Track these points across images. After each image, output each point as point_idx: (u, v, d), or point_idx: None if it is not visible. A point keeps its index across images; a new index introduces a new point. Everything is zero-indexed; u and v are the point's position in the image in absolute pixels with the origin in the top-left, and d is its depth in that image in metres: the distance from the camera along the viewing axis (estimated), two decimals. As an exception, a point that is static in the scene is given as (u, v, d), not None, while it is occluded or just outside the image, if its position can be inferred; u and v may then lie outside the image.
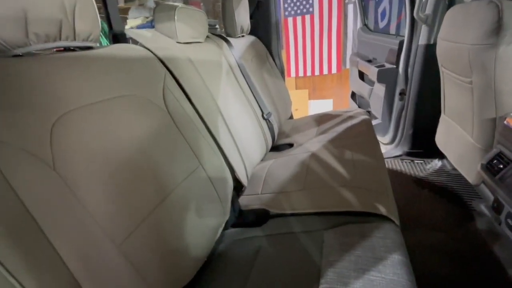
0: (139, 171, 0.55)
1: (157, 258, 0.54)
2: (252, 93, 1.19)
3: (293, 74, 3.43)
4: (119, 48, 0.66)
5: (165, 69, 0.74)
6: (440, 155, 1.52)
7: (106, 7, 0.76)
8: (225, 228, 0.84)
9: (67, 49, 0.56)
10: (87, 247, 0.42)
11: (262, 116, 1.21)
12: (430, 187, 1.42)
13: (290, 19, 3.18)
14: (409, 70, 1.59)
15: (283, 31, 3.23)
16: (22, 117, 0.41)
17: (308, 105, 3.49)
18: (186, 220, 0.63)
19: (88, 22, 0.54)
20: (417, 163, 1.63)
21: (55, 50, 0.54)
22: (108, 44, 0.77)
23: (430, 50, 1.42)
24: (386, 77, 1.69)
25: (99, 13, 0.57)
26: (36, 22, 0.45)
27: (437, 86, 1.30)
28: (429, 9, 1.39)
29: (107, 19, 0.77)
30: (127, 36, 0.81)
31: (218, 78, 0.98)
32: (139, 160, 0.56)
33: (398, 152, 1.73)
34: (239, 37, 1.35)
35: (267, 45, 1.61)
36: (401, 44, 1.61)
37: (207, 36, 1.10)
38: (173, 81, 0.75)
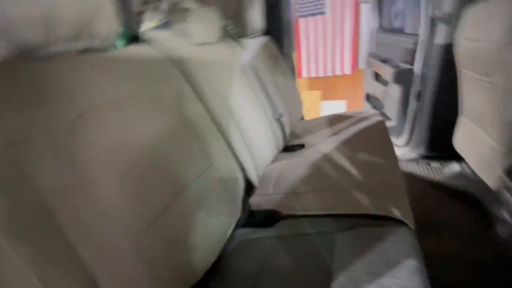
0: (153, 168, 0.56)
1: (168, 255, 0.54)
2: (264, 94, 1.19)
3: (305, 74, 3.40)
4: (135, 50, 0.68)
5: (178, 70, 0.75)
6: (459, 159, 1.46)
7: (124, 9, 0.78)
8: (236, 228, 0.84)
9: (85, 50, 0.58)
10: (103, 242, 0.43)
11: (273, 117, 1.20)
12: (448, 192, 1.37)
13: (302, 20, 3.17)
14: (426, 70, 1.54)
15: (295, 31, 3.21)
16: (44, 117, 0.43)
17: (320, 107, 3.45)
18: (198, 218, 0.64)
19: (106, 23, 0.55)
20: (434, 166, 1.58)
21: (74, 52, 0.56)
22: (124, 45, 0.80)
23: (448, 49, 1.37)
24: (402, 77, 1.65)
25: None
26: (56, 23, 0.46)
27: (455, 87, 1.26)
28: (447, 7, 1.34)
29: (124, 21, 0.79)
30: (143, 38, 0.83)
31: (229, 79, 0.98)
32: (152, 157, 0.57)
33: (413, 154, 1.67)
34: (252, 37, 1.35)
35: (280, 45, 1.61)
36: (417, 43, 1.56)
37: (220, 37, 1.11)
38: (186, 82, 0.76)
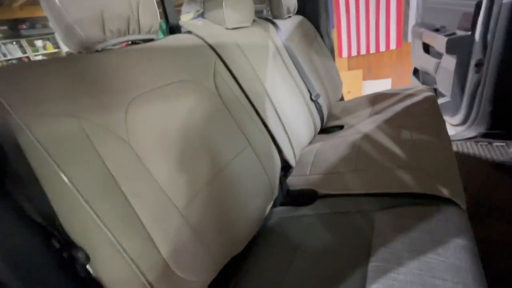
0: (195, 148, 0.61)
1: (212, 226, 0.60)
2: (300, 75, 1.17)
3: (345, 54, 3.20)
4: (175, 39, 0.73)
5: (215, 55, 0.79)
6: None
7: (163, 3, 0.84)
8: (274, 207, 0.88)
9: (133, 42, 0.65)
10: (156, 208, 0.49)
11: (311, 98, 1.18)
12: (513, 173, 1.21)
13: (342, -6, 2.96)
14: (489, 36, 1.34)
15: (334, 8, 3.02)
16: (104, 101, 0.50)
17: (362, 87, 3.25)
18: (237, 194, 0.68)
19: (149, 16, 0.60)
20: (497, 145, 1.40)
21: (124, 44, 0.63)
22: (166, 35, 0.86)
23: (518, 8, 1.17)
24: (458, 46, 1.46)
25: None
26: (110, 20, 0.53)
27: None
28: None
29: (164, 13, 0.85)
30: (182, 27, 0.88)
31: (265, 61, 0.99)
32: (194, 138, 0.62)
33: (472, 133, 1.50)
34: (286, 18, 1.33)
35: (316, 24, 1.55)
36: (478, 5, 1.36)
37: (254, 20, 1.11)
38: (223, 66, 0.79)
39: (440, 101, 1.64)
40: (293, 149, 0.96)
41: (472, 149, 1.43)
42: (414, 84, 2.11)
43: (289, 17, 1.36)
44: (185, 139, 0.60)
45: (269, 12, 1.33)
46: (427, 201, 0.67)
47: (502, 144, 1.39)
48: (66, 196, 0.42)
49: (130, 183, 0.47)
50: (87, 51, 0.54)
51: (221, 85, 0.75)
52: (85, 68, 0.50)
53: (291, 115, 1.01)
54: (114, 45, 0.57)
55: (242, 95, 0.81)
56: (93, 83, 0.50)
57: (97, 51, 0.55)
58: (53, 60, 0.49)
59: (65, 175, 0.41)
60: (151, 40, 0.66)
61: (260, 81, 0.91)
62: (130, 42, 0.63)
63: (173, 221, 0.52)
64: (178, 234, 0.51)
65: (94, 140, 0.45)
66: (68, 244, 0.43)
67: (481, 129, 1.48)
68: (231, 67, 0.82)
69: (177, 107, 0.61)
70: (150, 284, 0.46)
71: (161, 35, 0.86)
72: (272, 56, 1.05)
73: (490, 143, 1.43)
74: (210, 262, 0.58)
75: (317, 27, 1.56)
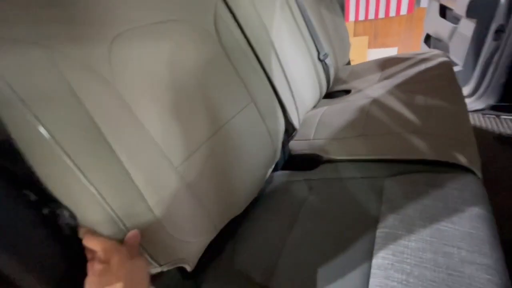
0: (192, 99, 0.54)
1: (211, 185, 0.55)
2: (308, 29, 1.06)
3: (352, 18, 2.99)
4: None
5: None
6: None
7: None
8: (275, 170, 0.83)
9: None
10: (148, 162, 0.43)
11: (318, 57, 1.08)
12: (519, 147, 1.18)
13: None
14: (517, -3, 1.22)
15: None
16: (82, 32, 0.41)
17: (366, 56, 3.09)
18: (238, 153, 0.62)
19: None
20: (505, 118, 1.35)
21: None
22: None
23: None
24: (480, 9, 1.34)
25: None
26: None
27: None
28: None
29: None
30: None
31: (272, 9, 0.87)
32: (192, 87, 0.54)
33: (480, 105, 1.44)
34: (296, -37, 1.16)
35: (328, -26, 1.38)
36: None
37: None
38: (225, 7, 0.68)
39: (452, 70, 1.56)
40: (297, 110, 0.89)
41: (479, 121, 1.39)
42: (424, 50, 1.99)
43: (299, -38, 1.20)
44: (181, 88, 0.52)
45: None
46: (441, 168, 0.63)
47: (510, 117, 1.35)
48: (41, 147, 0.35)
49: (116, 132, 0.40)
50: None
51: (222, 30, 0.65)
52: None
53: (297, 74, 0.92)
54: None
55: (246, 44, 0.72)
56: (67, 9, 0.40)
57: None
58: None
59: (36, 118, 0.34)
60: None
61: (267, 31, 0.81)
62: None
63: (167, 179, 0.46)
64: (173, 193, 0.46)
65: (69, 76, 0.37)
66: (48, 201, 0.37)
67: (490, 101, 1.42)
68: (235, 10, 0.71)
69: (171, 50, 0.52)
70: (142, 246, 0.42)
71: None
72: (280, 5, 0.92)
73: (497, 116, 1.38)
74: (208, 224, 0.54)
75: (329, -22, 1.39)
